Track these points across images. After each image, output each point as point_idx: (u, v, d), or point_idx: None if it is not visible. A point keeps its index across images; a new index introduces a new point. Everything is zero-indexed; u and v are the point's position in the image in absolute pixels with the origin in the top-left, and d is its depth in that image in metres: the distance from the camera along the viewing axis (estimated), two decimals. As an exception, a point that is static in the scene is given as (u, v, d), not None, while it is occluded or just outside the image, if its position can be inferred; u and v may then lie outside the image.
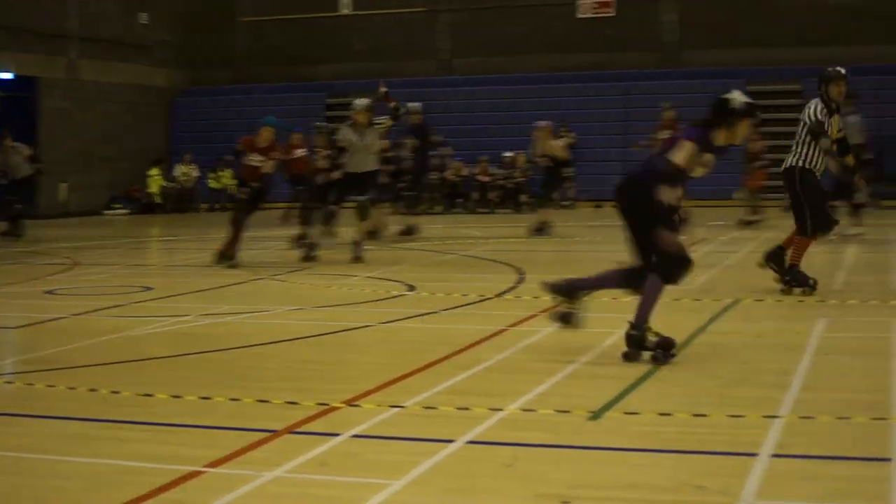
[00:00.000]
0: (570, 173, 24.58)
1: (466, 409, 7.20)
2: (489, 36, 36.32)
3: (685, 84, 34.02)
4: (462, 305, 12.12)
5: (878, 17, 33.54)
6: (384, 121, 17.56)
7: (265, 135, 15.89)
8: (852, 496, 5.44)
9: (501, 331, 10.29)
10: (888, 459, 5.97)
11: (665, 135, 24.20)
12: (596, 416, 6.99)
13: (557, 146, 22.54)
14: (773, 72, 33.75)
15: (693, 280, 13.59)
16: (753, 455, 6.04)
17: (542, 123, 22.45)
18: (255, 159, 16.00)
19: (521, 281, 14.13)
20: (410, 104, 22.19)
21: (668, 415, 7.02)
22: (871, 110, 30.68)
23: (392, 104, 17.90)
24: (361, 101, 17.39)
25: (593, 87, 34.59)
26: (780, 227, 19.37)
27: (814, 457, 6.10)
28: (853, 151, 17.98)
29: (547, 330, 10.22)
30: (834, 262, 16.01)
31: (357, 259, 16.80)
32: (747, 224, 23.79)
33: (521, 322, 10.79)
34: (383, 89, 18.23)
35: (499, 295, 12.87)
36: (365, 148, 17.19)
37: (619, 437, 6.55)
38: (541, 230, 22.02)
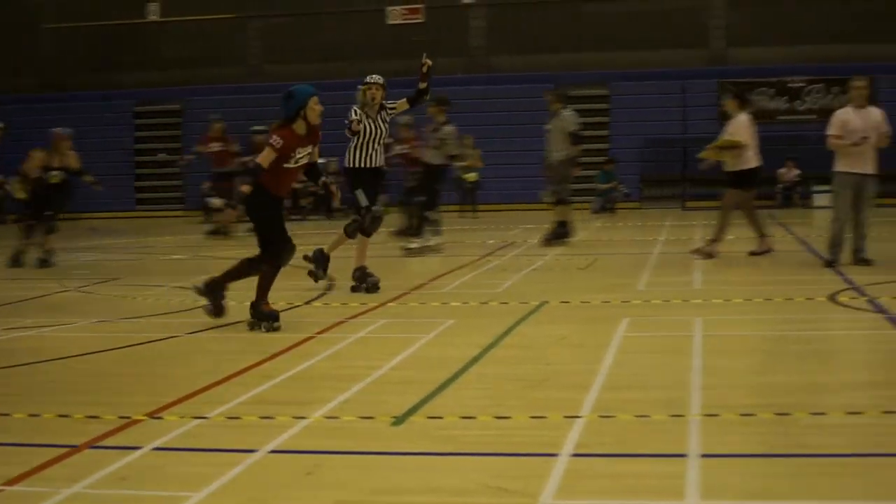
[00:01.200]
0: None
1: (270, 418, 7.16)
2: (301, 42, 36.17)
3: (494, 89, 34.38)
4: (270, 314, 12.03)
5: (684, 23, 34.29)
6: (399, 103, 14.36)
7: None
8: (649, 492, 5.54)
9: (308, 339, 10.24)
10: (684, 455, 6.10)
11: (215, 147, 23.96)
12: (399, 421, 7.00)
13: (73, 157, 19.32)
14: (581, 76, 34.27)
15: (500, 283, 13.77)
16: (554, 455, 6.12)
17: (60, 131, 19.16)
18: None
19: (330, 288, 14.09)
20: None
21: (472, 418, 7.08)
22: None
23: (424, 85, 14.28)
24: (377, 76, 14.22)
25: (406, 92, 34.66)
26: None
27: (613, 455, 6.21)
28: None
29: (354, 337, 10.26)
30: (637, 261, 16.32)
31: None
32: None
33: (328, 329, 10.77)
34: (428, 62, 14.16)
35: (307, 302, 12.83)
36: (379, 137, 14.17)
37: (421, 441, 6.57)
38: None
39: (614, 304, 12.11)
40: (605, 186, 30.68)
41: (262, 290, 10.93)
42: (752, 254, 16.57)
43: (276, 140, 10.71)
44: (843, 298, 12.08)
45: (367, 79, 14.05)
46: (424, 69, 14.01)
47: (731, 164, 16.51)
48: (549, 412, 7.14)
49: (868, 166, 14.92)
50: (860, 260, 14.92)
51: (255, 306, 10.93)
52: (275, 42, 36.72)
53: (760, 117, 32.39)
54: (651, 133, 33.01)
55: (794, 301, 12.02)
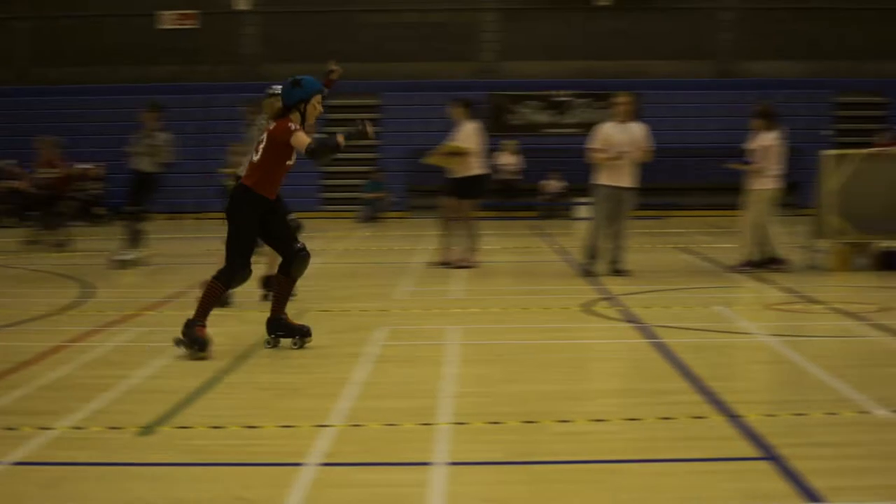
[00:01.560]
0: None
1: (14, 429, 6.99)
2: (68, 45, 35.41)
3: (264, 97, 34.16)
4: (23, 321, 11.69)
5: (457, 36, 34.69)
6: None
7: None
8: (394, 501, 5.62)
9: (61, 347, 10.01)
10: (431, 464, 6.18)
11: None
12: (146, 431, 6.92)
13: None
14: (353, 85, 34.34)
15: (260, 291, 13.64)
16: (300, 465, 6.13)
17: None
18: None
19: (88, 295, 13.82)
20: None
21: (221, 428, 7.04)
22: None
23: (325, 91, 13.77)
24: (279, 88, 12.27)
25: (173, 99, 34.26)
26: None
27: (361, 464, 6.26)
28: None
29: (107, 345, 10.10)
30: (400, 270, 16.42)
31: None
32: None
33: (82, 337, 10.53)
34: (338, 69, 12.49)
35: (63, 310, 12.56)
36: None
37: (168, 452, 6.51)
38: None
39: (372, 312, 12.16)
40: (371, 195, 30.80)
41: (204, 309, 9.63)
42: (442, 264, 16.75)
43: (294, 125, 9.64)
44: (597, 308, 12.37)
45: (274, 89, 12.74)
46: (335, 76, 13.28)
47: (457, 171, 16.67)
48: (298, 421, 7.16)
49: (626, 180, 15.31)
50: (616, 270, 15.29)
51: (190, 325, 9.54)
52: (43, 44, 35.86)
53: (527, 130, 33.18)
54: (421, 143, 33.16)
55: (550, 310, 12.26)
